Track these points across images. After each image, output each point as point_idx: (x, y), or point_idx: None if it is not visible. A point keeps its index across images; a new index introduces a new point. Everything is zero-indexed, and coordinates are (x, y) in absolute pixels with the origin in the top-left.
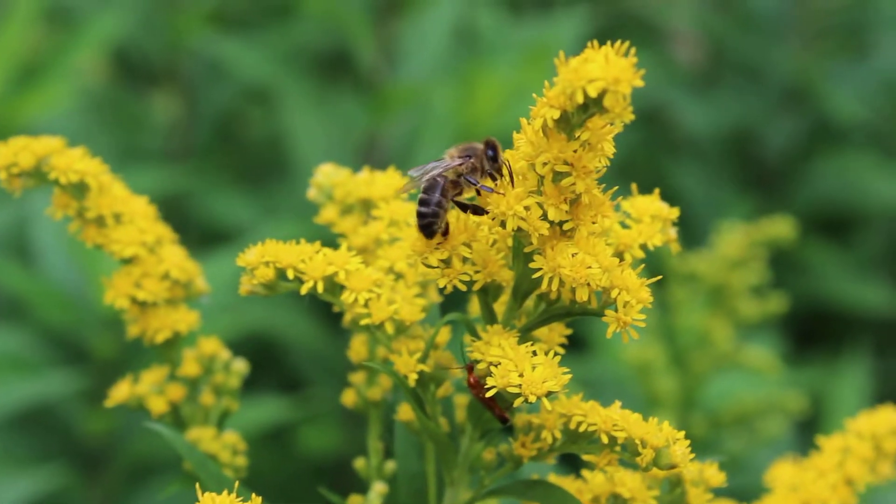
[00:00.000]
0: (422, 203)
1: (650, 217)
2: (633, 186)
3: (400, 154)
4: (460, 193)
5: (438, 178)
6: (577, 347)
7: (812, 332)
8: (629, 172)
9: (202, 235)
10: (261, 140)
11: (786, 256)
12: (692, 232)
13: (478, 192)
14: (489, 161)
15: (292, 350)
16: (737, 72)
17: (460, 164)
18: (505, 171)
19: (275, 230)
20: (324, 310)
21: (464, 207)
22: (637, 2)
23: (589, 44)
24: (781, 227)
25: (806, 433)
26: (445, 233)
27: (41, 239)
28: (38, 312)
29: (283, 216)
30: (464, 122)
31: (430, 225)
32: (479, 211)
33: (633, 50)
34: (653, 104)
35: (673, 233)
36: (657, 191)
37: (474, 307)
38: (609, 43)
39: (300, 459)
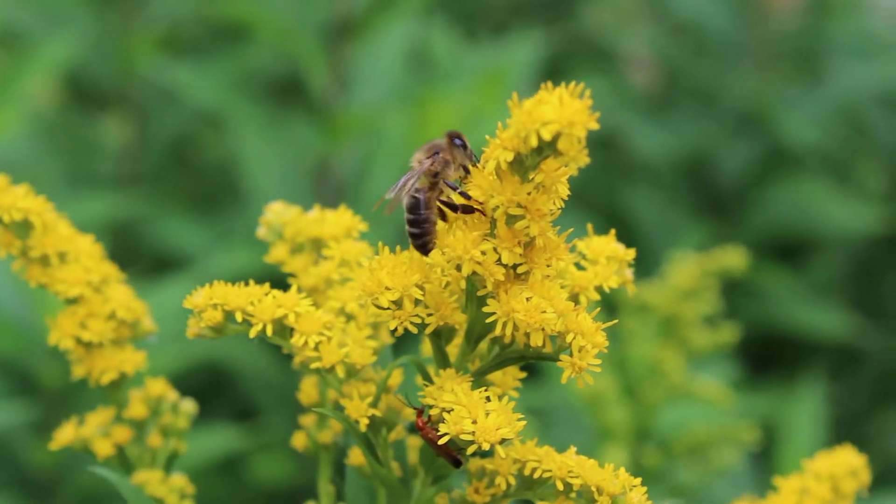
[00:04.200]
0: (411, 224)
1: (606, 258)
2: (589, 227)
3: (353, 179)
4: (441, 193)
5: (417, 195)
6: (530, 374)
7: (766, 358)
8: (583, 197)
9: (154, 261)
10: (213, 165)
11: (740, 282)
12: (646, 257)
13: (462, 193)
14: (460, 151)
15: (243, 378)
16: (691, 96)
17: (431, 164)
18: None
19: (227, 257)
20: None
21: (453, 208)
22: (592, 26)
23: (543, 85)
24: (734, 258)
25: (761, 461)
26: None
27: None
28: None
29: (236, 242)
30: (417, 148)
31: (425, 245)
32: (468, 209)
33: (587, 92)
34: (607, 128)
35: (629, 274)
36: (613, 231)
37: (427, 346)
38: (564, 75)
39: (251, 488)
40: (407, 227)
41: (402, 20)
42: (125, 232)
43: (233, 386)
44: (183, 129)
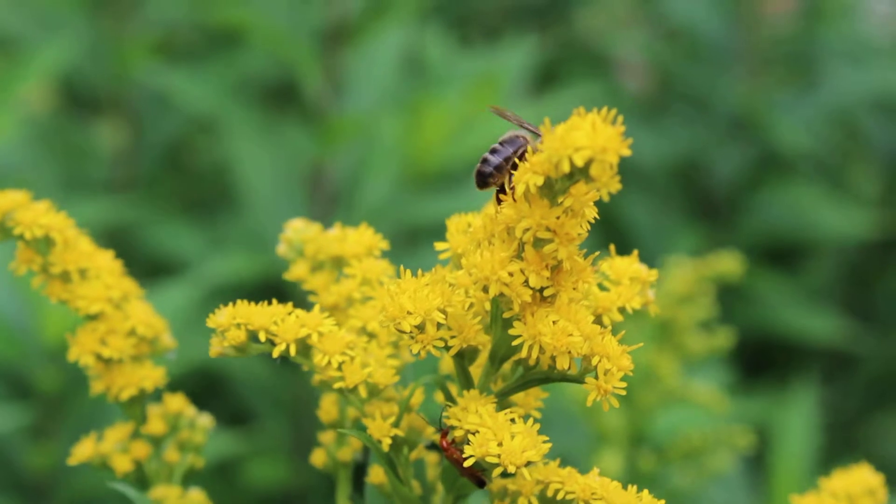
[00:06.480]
0: (492, 151)
1: (629, 279)
2: (612, 247)
3: (347, 184)
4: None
5: (520, 138)
6: None
7: (760, 362)
8: None
9: (148, 266)
10: (207, 170)
11: (733, 286)
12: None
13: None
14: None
15: (238, 382)
16: (684, 101)
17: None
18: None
19: (222, 262)
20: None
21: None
22: (585, 31)
23: (575, 111)
24: (729, 263)
25: (755, 465)
26: (502, 191)
27: None
28: None
29: (230, 247)
30: (411, 153)
31: (487, 175)
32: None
33: (620, 118)
34: None
35: (651, 295)
36: (636, 252)
37: (446, 363)
38: (558, 81)
39: (245, 492)
40: (487, 153)
41: (396, 25)
42: (119, 237)
43: (227, 390)
44: (177, 134)
